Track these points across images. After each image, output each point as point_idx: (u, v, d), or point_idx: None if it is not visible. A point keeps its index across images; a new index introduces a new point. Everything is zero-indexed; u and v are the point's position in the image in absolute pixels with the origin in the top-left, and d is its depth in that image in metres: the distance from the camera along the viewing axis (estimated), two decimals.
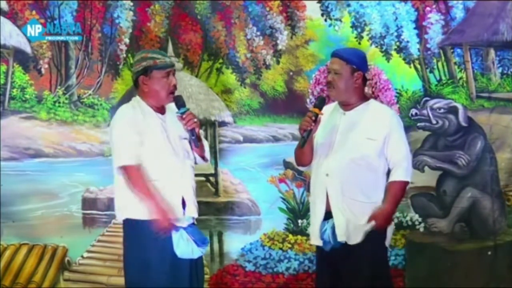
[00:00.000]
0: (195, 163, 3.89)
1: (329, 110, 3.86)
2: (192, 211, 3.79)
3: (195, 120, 3.74)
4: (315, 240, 3.84)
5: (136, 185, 3.62)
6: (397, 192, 3.79)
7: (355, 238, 3.72)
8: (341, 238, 3.73)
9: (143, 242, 3.67)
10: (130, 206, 3.70)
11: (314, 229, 3.84)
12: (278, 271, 5.32)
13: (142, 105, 3.76)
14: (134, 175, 3.62)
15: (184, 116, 3.72)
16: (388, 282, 3.91)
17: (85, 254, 5.37)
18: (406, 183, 3.82)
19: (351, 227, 3.72)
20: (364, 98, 3.88)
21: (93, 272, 5.34)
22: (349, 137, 3.76)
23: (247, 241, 5.40)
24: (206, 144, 3.91)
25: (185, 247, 3.70)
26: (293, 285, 5.29)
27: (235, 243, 5.42)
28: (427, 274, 5.12)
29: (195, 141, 3.76)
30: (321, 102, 3.77)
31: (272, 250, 5.34)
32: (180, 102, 3.75)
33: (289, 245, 5.35)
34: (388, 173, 3.84)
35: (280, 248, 5.34)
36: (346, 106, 3.83)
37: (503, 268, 5.12)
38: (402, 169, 3.78)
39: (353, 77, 3.77)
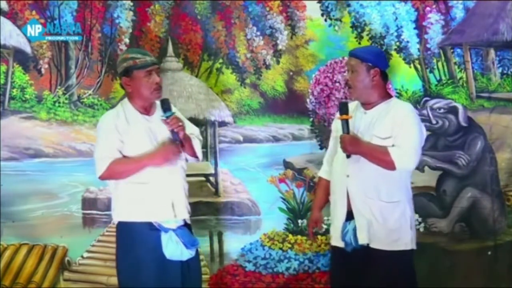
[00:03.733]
0: (186, 161, 3.85)
1: (351, 109, 3.79)
2: (183, 213, 3.76)
3: (180, 123, 3.69)
4: (336, 242, 3.79)
5: (124, 172, 3.63)
6: (380, 153, 3.60)
7: (378, 242, 3.67)
8: (362, 241, 3.67)
9: (133, 244, 3.68)
10: (120, 209, 3.72)
11: (335, 230, 3.79)
12: (278, 271, 5.31)
13: (127, 109, 3.73)
14: (113, 172, 3.63)
15: (168, 120, 3.67)
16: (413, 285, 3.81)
17: (85, 254, 5.36)
18: (393, 164, 3.59)
19: (373, 229, 3.66)
20: (386, 96, 3.80)
21: (93, 272, 5.33)
22: (368, 136, 3.69)
23: (247, 241, 5.40)
24: (196, 142, 3.85)
25: (174, 249, 3.69)
26: (293, 285, 5.29)
27: (235, 243, 5.42)
28: (427, 274, 5.11)
29: (179, 144, 3.71)
30: (345, 107, 3.73)
31: (272, 250, 5.34)
32: (165, 106, 3.70)
33: (289, 245, 5.34)
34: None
35: (280, 248, 5.34)
36: (367, 105, 3.77)
37: (503, 268, 5.12)
38: (401, 153, 3.59)
39: (370, 74, 3.71)
